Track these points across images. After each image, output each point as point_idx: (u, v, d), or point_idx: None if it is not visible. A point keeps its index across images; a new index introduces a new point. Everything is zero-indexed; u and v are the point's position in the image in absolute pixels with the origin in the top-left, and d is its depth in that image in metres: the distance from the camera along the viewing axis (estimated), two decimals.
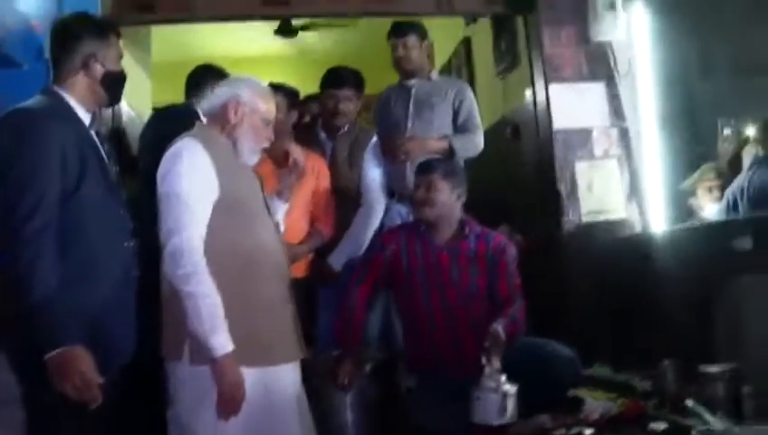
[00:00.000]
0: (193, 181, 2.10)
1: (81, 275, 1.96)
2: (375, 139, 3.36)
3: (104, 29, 2.22)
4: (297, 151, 2.58)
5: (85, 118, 2.14)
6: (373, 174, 3.28)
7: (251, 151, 2.31)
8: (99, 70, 2.15)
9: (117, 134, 3.45)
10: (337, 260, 3.16)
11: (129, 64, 3.60)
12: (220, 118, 2.28)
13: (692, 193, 3.62)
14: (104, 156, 2.14)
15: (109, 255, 2.06)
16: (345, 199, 3.26)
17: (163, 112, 3.20)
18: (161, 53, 4.86)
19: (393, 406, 2.92)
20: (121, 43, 2.97)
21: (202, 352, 2.03)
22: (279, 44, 6.21)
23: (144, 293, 2.18)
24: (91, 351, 1.89)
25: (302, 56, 6.40)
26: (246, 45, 6.04)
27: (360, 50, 5.83)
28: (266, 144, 2.35)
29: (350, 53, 5.97)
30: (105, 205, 2.08)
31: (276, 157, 2.66)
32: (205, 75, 3.09)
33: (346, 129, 3.39)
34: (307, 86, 3.93)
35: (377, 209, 3.26)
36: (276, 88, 3.17)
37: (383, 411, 2.92)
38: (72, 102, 2.12)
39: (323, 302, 3.19)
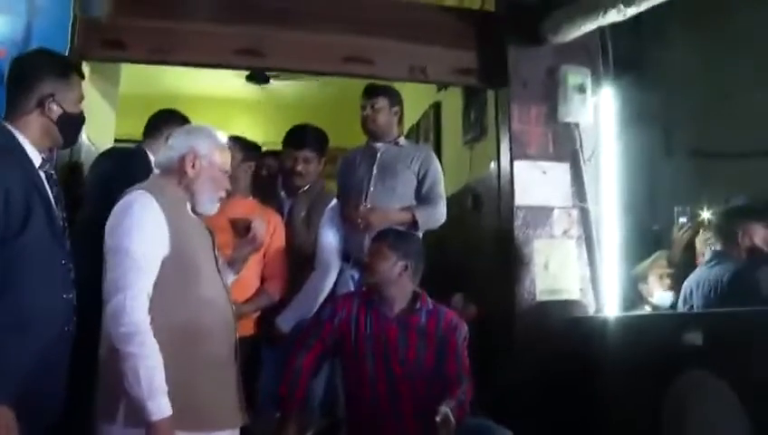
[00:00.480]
0: (142, 237, 2.04)
1: (14, 327, 1.88)
2: (334, 201, 3.33)
3: (66, 69, 2.17)
4: (260, 228, 2.54)
5: (36, 159, 2.07)
6: (329, 238, 3.24)
7: (209, 202, 2.28)
8: (56, 111, 2.10)
9: (73, 169, 3.36)
10: (286, 322, 3.08)
11: (94, 97, 3.56)
12: (177, 171, 2.24)
13: (643, 279, 3.65)
14: (52, 201, 2.06)
15: (46, 307, 1.98)
16: (299, 259, 3.20)
17: (111, 154, 3.09)
18: (130, 86, 4.80)
19: None
20: (88, 74, 2.91)
21: (137, 415, 1.94)
22: (250, 89, 6.19)
23: (78, 347, 2.10)
24: (18, 409, 1.81)
25: (273, 102, 6.39)
26: (218, 86, 5.99)
27: (332, 100, 5.85)
28: (223, 194, 2.32)
29: (323, 102, 5.99)
30: (47, 253, 2.01)
31: (235, 221, 2.59)
32: (165, 121, 2.99)
33: (306, 188, 3.35)
34: (276, 132, 3.90)
35: (330, 274, 3.20)
36: (235, 139, 3.15)
37: None
38: (24, 142, 2.06)
39: (267, 361, 3.10)
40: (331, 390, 3.12)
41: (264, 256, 3.05)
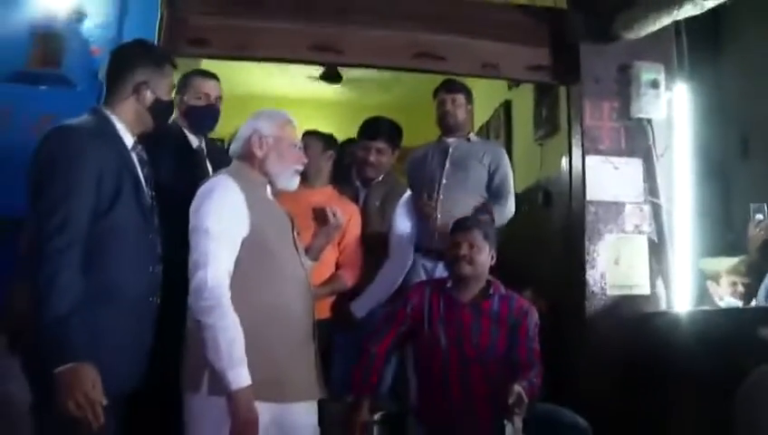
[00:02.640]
0: (223, 217, 2.15)
1: (102, 295, 2.00)
2: (408, 193, 3.40)
3: (160, 59, 2.30)
4: (339, 215, 2.63)
5: (128, 141, 2.20)
6: (403, 228, 3.30)
7: (287, 178, 2.38)
8: (149, 97, 2.22)
9: None
10: (359, 308, 3.17)
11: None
12: (248, 155, 2.34)
13: (715, 278, 3.57)
14: (142, 180, 2.18)
15: (132, 279, 2.09)
16: (373, 248, 3.27)
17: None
18: None
19: None
20: None
21: (220, 385, 2.04)
22: (323, 89, 6.34)
23: (167, 322, 2.20)
24: (102, 372, 1.90)
25: (345, 102, 6.52)
26: (291, 86, 6.18)
27: (402, 100, 5.94)
28: (300, 166, 2.42)
29: (393, 102, 6.08)
30: (136, 228, 2.12)
31: (317, 210, 2.69)
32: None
33: (381, 179, 3.42)
34: (346, 133, 4.00)
35: (404, 264, 3.27)
36: (311, 132, 3.25)
37: None
38: (118, 125, 2.19)
39: (340, 347, 3.18)
40: (400, 377, 3.18)
41: (340, 244, 3.14)
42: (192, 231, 2.16)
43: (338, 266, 3.18)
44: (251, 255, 2.18)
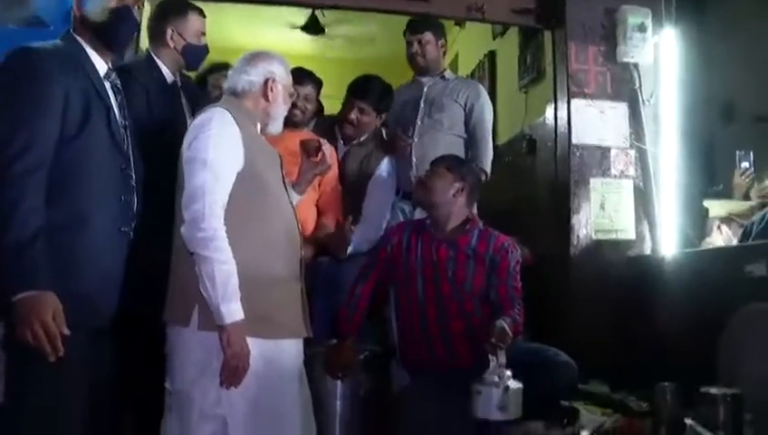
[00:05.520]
0: (220, 149, 2.12)
1: (69, 223, 1.93)
2: (385, 163, 3.28)
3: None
4: (329, 150, 2.65)
5: (101, 68, 2.11)
6: (379, 200, 3.23)
7: (279, 123, 2.42)
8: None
9: None
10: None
11: None
12: (257, 94, 2.33)
13: (724, 220, 3.50)
14: (114, 108, 2.10)
15: (100, 207, 2.01)
16: (350, 194, 3.23)
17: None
18: None
19: (383, 402, 2.90)
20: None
21: (211, 319, 2.03)
22: (305, 43, 6.25)
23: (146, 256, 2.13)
24: (67, 301, 1.84)
25: (328, 56, 6.44)
26: (273, 40, 6.07)
27: (385, 54, 5.85)
28: (286, 112, 2.45)
29: (377, 56, 6.03)
30: (105, 157, 2.05)
31: (305, 141, 2.68)
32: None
33: (361, 140, 3.32)
34: (330, 87, 3.92)
35: (378, 227, 3.19)
36: (311, 76, 3.18)
37: (372, 405, 2.90)
38: (89, 50, 2.09)
39: (319, 293, 3.13)
40: (379, 320, 3.16)
41: (320, 185, 3.09)
42: (187, 162, 2.13)
43: (318, 209, 3.12)
44: (244, 189, 2.16)
